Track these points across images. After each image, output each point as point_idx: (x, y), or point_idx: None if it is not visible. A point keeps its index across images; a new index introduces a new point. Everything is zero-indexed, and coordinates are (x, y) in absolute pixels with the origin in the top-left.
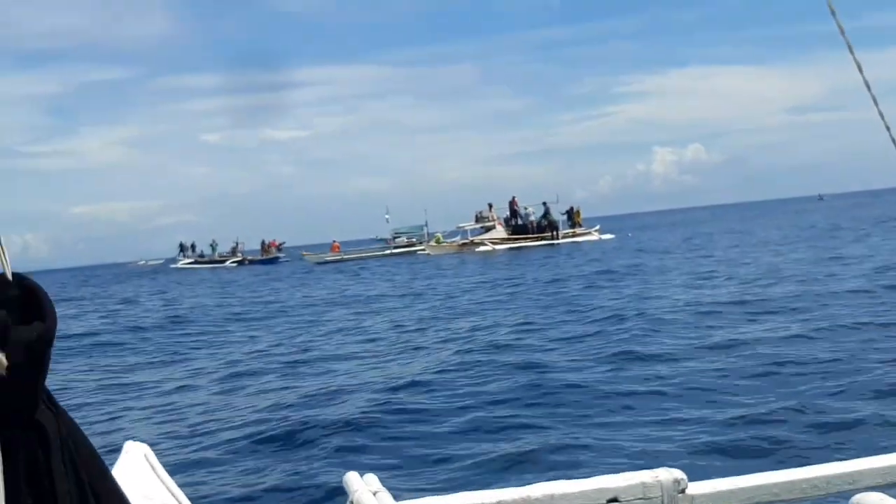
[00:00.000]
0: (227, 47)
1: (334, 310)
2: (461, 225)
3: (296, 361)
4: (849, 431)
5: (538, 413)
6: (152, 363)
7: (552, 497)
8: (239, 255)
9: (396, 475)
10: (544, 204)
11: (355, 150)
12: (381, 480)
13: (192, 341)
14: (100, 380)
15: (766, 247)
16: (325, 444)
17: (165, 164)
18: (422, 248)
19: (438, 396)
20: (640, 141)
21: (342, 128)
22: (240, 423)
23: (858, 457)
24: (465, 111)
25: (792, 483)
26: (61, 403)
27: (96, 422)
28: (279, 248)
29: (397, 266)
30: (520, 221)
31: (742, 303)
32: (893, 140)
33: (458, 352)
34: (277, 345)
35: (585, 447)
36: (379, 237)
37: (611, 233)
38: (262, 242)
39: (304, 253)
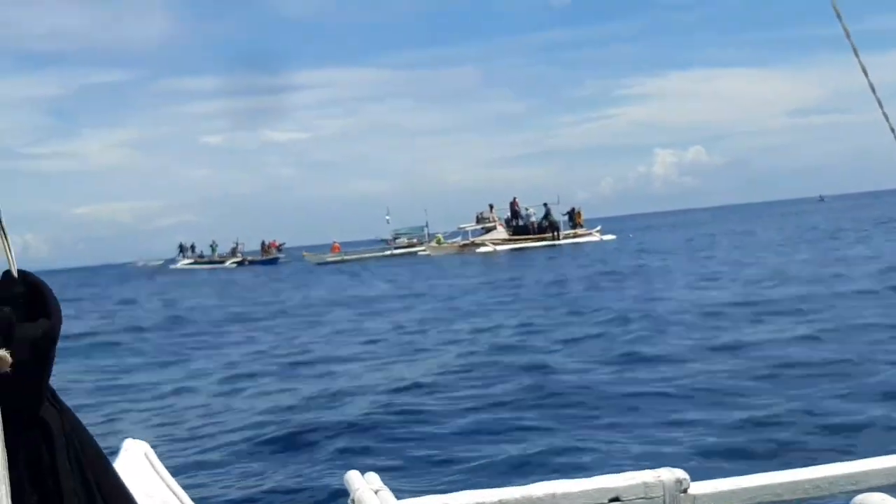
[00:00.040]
0: (228, 50)
1: (335, 311)
2: (462, 226)
3: (297, 363)
4: (856, 433)
5: (542, 415)
6: (151, 364)
7: (554, 496)
8: (239, 255)
9: (399, 477)
10: (545, 205)
11: (356, 152)
12: (384, 482)
13: (191, 342)
14: (98, 381)
15: (768, 248)
16: (327, 445)
17: (166, 166)
18: (422, 248)
19: (441, 398)
20: (640, 143)
21: (342, 130)
22: (240, 425)
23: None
24: (466, 114)
25: (795, 483)
26: None
27: (94, 423)
28: (279, 249)
29: (398, 267)
30: (521, 222)
31: (747, 304)
32: None
33: (460, 353)
34: (278, 346)
35: (590, 449)
36: (379, 238)
37: (612, 234)
38: (263, 243)
39: (305, 253)
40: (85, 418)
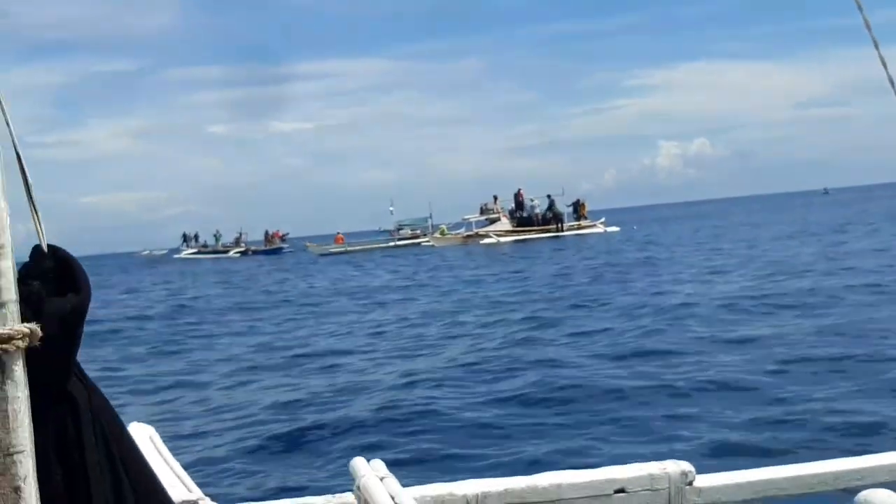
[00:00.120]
0: (235, 40)
1: (340, 302)
2: (466, 217)
3: (301, 355)
4: (868, 430)
5: (551, 411)
6: (153, 354)
7: (560, 486)
8: (242, 245)
9: (407, 476)
10: (548, 196)
11: (361, 142)
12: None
13: (194, 332)
14: (99, 370)
15: (775, 241)
16: (333, 441)
17: (171, 156)
18: (426, 239)
19: (449, 393)
20: (645, 135)
21: (348, 120)
22: (244, 418)
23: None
24: (471, 105)
25: (800, 478)
26: None
27: None
28: (283, 239)
29: (402, 258)
30: (525, 213)
31: (757, 297)
32: None
33: (467, 347)
34: (282, 337)
35: (598, 444)
36: (382, 229)
37: (615, 225)
38: (266, 233)
39: (308, 244)
40: None
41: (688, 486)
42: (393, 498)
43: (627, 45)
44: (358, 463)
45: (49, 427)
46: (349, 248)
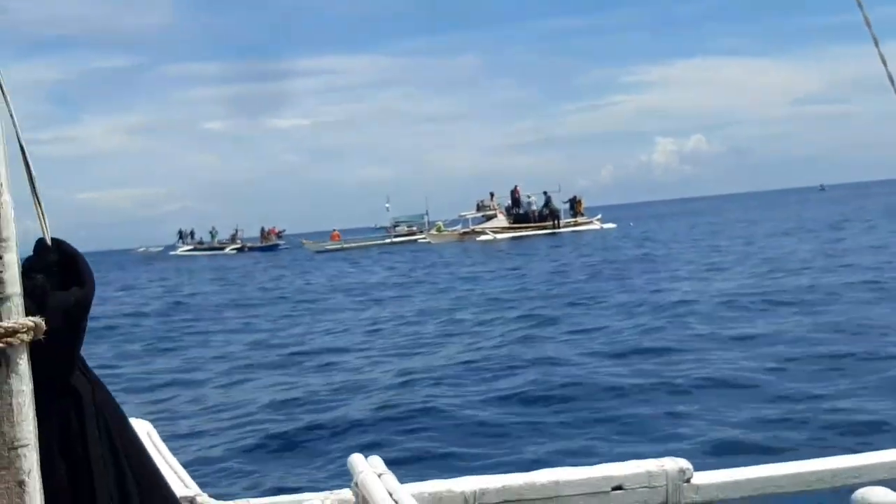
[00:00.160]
0: (232, 36)
1: (336, 299)
2: (462, 213)
3: (298, 353)
4: (868, 428)
5: (550, 409)
6: (150, 351)
7: (557, 483)
8: (238, 242)
9: (405, 473)
10: (545, 193)
11: (358, 139)
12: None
13: (190, 329)
14: (96, 367)
15: (772, 237)
16: (329, 439)
17: (168, 152)
18: (423, 236)
19: (448, 392)
20: (641, 131)
21: (345, 117)
22: (240, 418)
23: None
24: (468, 101)
25: (798, 475)
26: None
27: None
28: (279, 236)
29: (399, 254)
30: (521, 210)
31: (755, 294)
32: None
33: (464, 345)
34: (279, 335)
35: (598, 443)
36: (378, 225)
37: (612, 222)
38: (262, 230)
39: (304, 241)
40: None
41: (685, 484)
42: (391, 494)
43: (624, 41)
44: (356, 459)
45: (53, 421)
46: (345, 246)
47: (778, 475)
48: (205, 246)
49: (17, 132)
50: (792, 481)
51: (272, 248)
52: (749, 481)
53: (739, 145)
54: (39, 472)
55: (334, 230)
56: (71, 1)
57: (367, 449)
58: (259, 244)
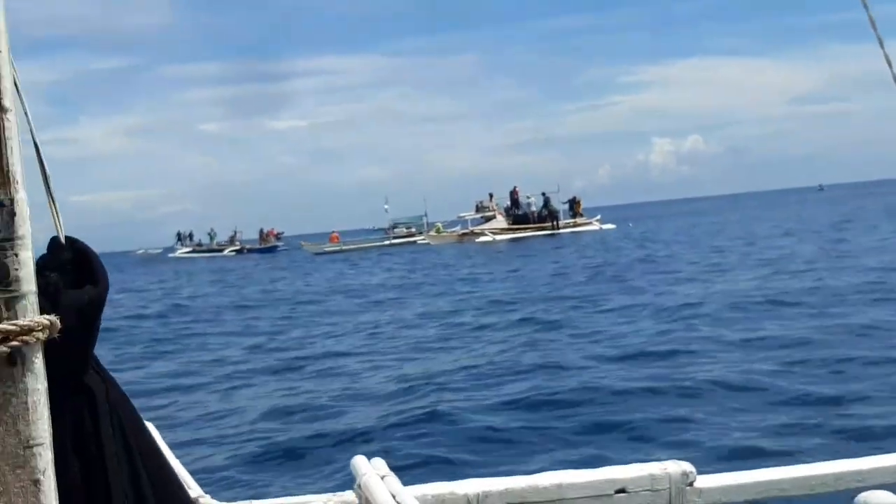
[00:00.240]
0: (230, 37)
1: (336, 302)
2: (462, 214)
3: (298, 357)
4: (876, 431)
5: (555, 415)
6: (148, 355)
7: (560, 486)
8: (237, 244)
9: (409, 480)
10: (543, 194)
11: (357, 139)
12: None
13: (189, 332)
14: None
15: (774, 238)
16: (331, 446)
17: (167, 153)
18: (422, 238)
19: (452, 399)
20: (639, 131)
21: (344, 117)
22: (240, 426)
23: None
24: (467, 102)
25: (801, 479)
26: None
27: None
28: (278, 237)
29: (398, 256)
30: (521, 211)
31: (760, 296)
32: None
33: (467, 350)
34: (278, 339)
35: (605, 448)
36: (377, 227)
37: (610, 223)
38: (261, 231)
39: (303, 243)
40: None
41: (688, 487)
42: (394, 496)
43: (622, 41)
44: (359, 461)
45: (66, 419)
46: (344, 247)
47: (781, 479)
48: (204, 248)
49: (31, 131)
50: (795, 485)
51: (271, 249)
52: (752, 485)
53: (737, 145)
54: (54, 471)
55: (333, 232)
56: (69, 1)
57: (369, 455)
58: (258, 246)
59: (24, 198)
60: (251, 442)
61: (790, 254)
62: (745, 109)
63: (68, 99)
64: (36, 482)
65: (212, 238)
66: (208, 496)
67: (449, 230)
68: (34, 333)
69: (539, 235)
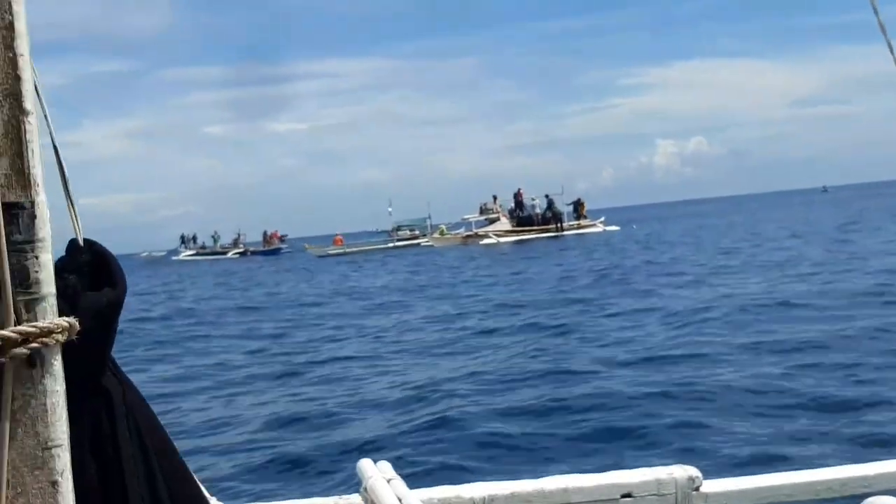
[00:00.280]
0: (231, 40)
1: (341, 306)
2: (465, 217)
3: (303, 362)
4: (890, 437)
5: (564, 421)
6: (152, 358)
7: (566, 490)
8: (241, 246)
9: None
10: (547, 196)
11: (358, 142)
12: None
13: (193, 334)
14: None
15: (780, 240)
16: (339, 454)
17: (169, 157)
18: (426, 240)
19: (459, 405)
20: (642, 133)
21: (346, 120)
22: (244, 434)
23: None
24: (469, 104)
25: (807, 484)
26: None
27: None
28: (281, 240)
29: (402, 258)
30: (525, 213)
31: (769, 299)
32: None
33: (474, 356)
34: (283, 342)
35: (615, 454)
36: (380, 229)
37: (614, 224)
38: (265, 234)
39: (307, 245)
40: None
41: (694, 492)
42: (400, 500)
43: (623, 43)
44: (365, 464)
45: (84, 421)
46: (348, 250)
47: (787, 484)
48: (207, 250)
49: (51, 134)
50: (801, 490)
51: (275, 252)
52: (758, 490)
53: (740, 147)
54: (71, 473)
55: (337, 235)
56: (69, 4)
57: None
58: (262, 248)
59: (44, 200)
60: (256, 451)
61: (797, 256)
62: (746, 111)
63: (70, 102)
64: (54, 483)
65: (215, 241)
66: (214, 498)
67: (453, 232)
68: (53, 335)
69: (543, 237)
